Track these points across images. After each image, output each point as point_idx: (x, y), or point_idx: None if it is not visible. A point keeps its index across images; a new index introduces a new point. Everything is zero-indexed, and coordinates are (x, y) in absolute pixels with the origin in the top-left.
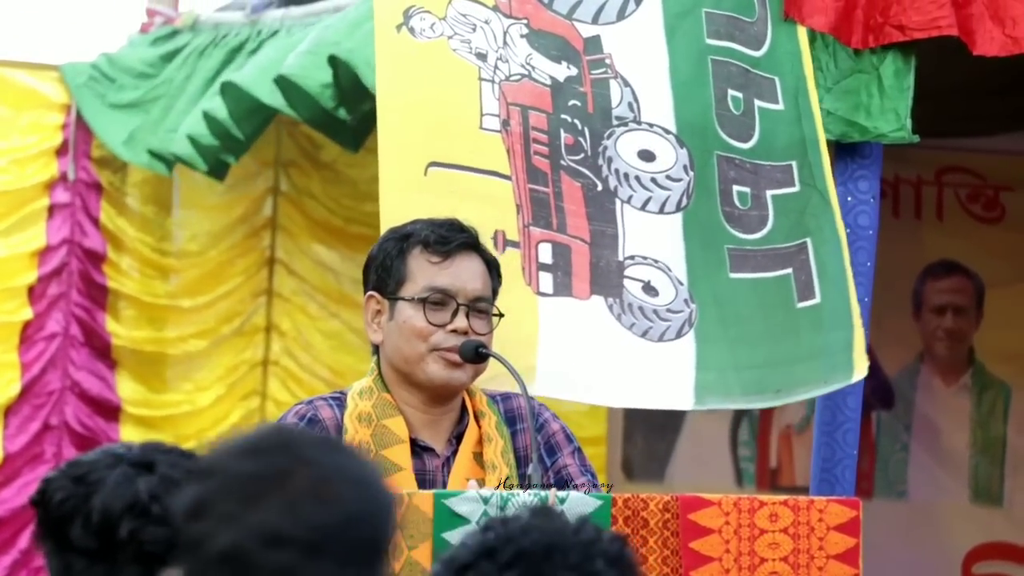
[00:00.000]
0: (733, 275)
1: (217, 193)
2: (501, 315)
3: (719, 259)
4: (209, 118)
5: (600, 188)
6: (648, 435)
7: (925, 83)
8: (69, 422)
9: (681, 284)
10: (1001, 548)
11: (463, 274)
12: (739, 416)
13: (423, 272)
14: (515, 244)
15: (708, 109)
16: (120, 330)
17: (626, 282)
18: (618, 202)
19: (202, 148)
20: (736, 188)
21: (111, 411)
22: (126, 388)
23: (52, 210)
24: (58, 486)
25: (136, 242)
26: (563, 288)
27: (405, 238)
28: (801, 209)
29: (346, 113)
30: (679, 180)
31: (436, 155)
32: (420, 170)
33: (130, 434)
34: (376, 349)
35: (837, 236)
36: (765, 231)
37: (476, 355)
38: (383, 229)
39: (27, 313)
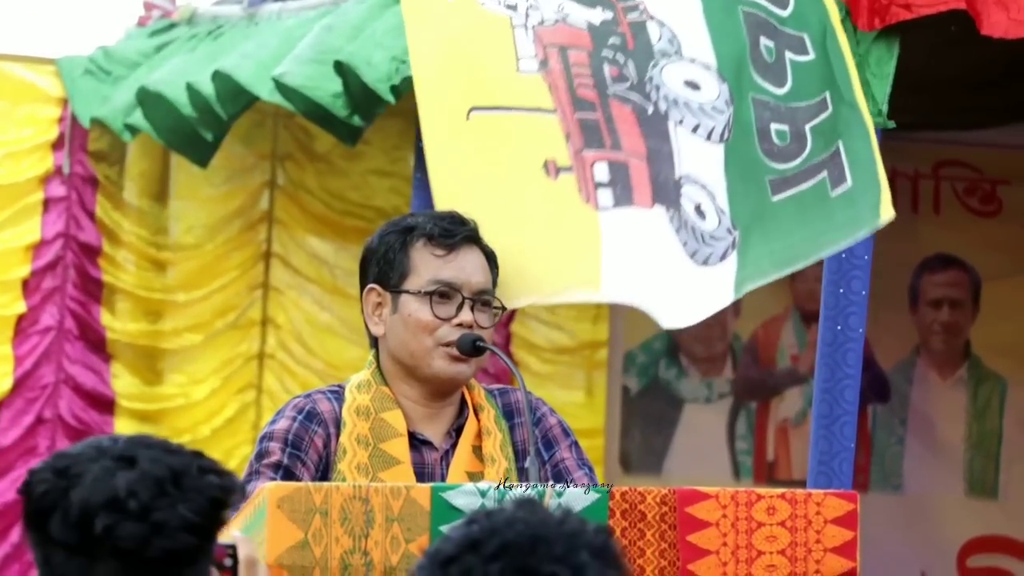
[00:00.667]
0: (775, 198)
1: (213, 186)
2: (504, 308)
3: (760, 188)
4: (192, 91)
5: (651, 111)
6: (645, 428)
7: (921, 75)
8: (63, 416)
9: (724, 213)
10: (996, 541)
11: (467, 267)
12: (737, 410)
13: (427, 265)
14: (568, 169)
15: (743, 52)
16: (115, 323)
17: (682, 199)
18: (671, 123)
19: (174, 117)
20: (774, 127)
21: (105, 405)
22: (121, 382)
23: (47, 204)
24: (41, 478)
25: (131, 236)
26: (624, 199)
27: (408, 231)
28: (834, 127)
29: (360, 120)
30: (722, 113)
31: (476, 100)
32: (462, 117)
33: (125, 428)
34: (374, 342)
35: (866, 129)
36: (803, 156)
37: (474, 348)
38: (433, 184)
39: (20, 306)
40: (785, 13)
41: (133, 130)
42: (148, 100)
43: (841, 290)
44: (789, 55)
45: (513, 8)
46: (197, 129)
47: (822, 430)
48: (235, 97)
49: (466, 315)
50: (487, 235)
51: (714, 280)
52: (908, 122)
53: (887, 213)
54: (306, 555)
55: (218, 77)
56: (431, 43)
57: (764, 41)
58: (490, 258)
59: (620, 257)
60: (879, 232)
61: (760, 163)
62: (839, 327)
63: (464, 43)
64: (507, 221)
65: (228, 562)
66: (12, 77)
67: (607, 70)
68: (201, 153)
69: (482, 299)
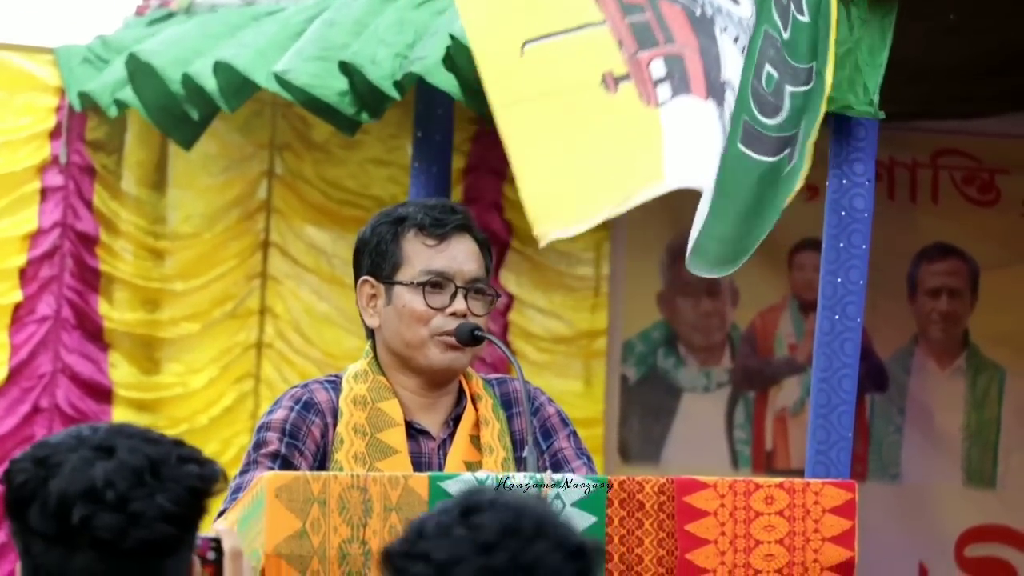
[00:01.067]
0: (741, 146)
1: (211, 175)
2: (498, 295)
3: (736, 126)
4: (187, 79)
5: (699, 13)
6: (644, 418)
7: (919, 64)
8: (60, 405)
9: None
10: (994, 531)
11: (459, 256)
12: (735, 399)
13: (419, 256)
14: (626, 77)
15: None
16: (112, 313)
17: (726, 101)
18: (717, 29)
19: (162, 94)
20: (767, 68)
21: (103, 394)
22: (119, 371)
23: (44, 193)
24: (20, 467)
25: (129, 225)
26: (681, 88)
27: (399, 221)
28: (805, 101)
29: (369, 117)
30: (748, 32)
31: (527, 33)
32: (516, 53)
33: (122, 417)
34: (370, 333)
35: (820, 108)
36: (779, 119)
37: (472, 338)
38: (502, 129)
39: (17, 295)
40: None
41: (121, 105)
42: (138, 71)
43: (839, 280)
44: (793, 11)
45: None
46: (185, 108)
47: (820, 419)
48: (238, 90)
49: (459, 304)
50: (557, 162)
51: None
52: (906, 111)
53: (797, 185)
54: (304, 544)
55: (220, 69)
56: None
57: None
58: (483, 245)
59: (680, 144)
60: (877, 221)
61: (745, 98)
62: (837, 316)
63: None
64: (574, 146)
65: (212, 555)
66: (10, 66)
67: None
68: (187, 134)
69: (475, 287)
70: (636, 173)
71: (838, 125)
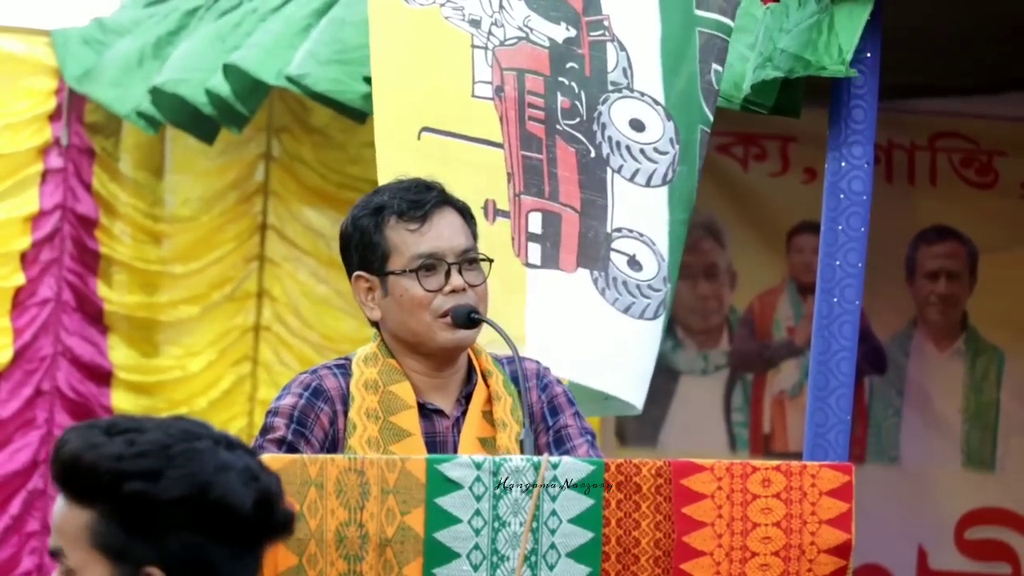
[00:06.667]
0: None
1: (209, 158)
2: (491, 260)
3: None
4: (211, 95)
5: (593, 155)
6: None
7: (920, 34)
8: (61, 387)
9: (663, 260)
10: (993, 513)
11: (444, 232)
12: (733, 382)
13: (405, 242)
14: (505, 214)
15: (693, 81)
16: (112, 295)
17: (613, 255)
18: (609, 171)
19: (201, 117)
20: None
21: (103, 376)
22: (118, 353)
23: (45, 175)
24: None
25: (128, 207)
26: (550, 260)
27: (378, 211)
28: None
29: None
30: (666, 153)
31: (429, 121)
32: (414, 134)
33: (122, 400)
34: (375, 323)
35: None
36: None
37: (468, 320)
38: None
39: (19, 278)
40: (734, 23)
41: (153, 121)
42: (163, 100)
43: (837, 262)
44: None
45: (476, 24)
46: (220, 123)
47: (818, 402)
48: (251, 92)
49: (456, 280)
50: None
51: (645, 344)
52: (906, 83)
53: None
54: (301, 527)
55: (229, 72)
56: (393, 55)
57: (715, 67)
58: (464, 213)
59: (543, 325)
60: (876, 204)
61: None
62: (835, 299)
63: (424, 59)
64: None
65: None
66: (8, 49)
67: (560, 101)
68: (210, 133)
69: (467, 258)
70: (498, 317)
71: (836, 108)
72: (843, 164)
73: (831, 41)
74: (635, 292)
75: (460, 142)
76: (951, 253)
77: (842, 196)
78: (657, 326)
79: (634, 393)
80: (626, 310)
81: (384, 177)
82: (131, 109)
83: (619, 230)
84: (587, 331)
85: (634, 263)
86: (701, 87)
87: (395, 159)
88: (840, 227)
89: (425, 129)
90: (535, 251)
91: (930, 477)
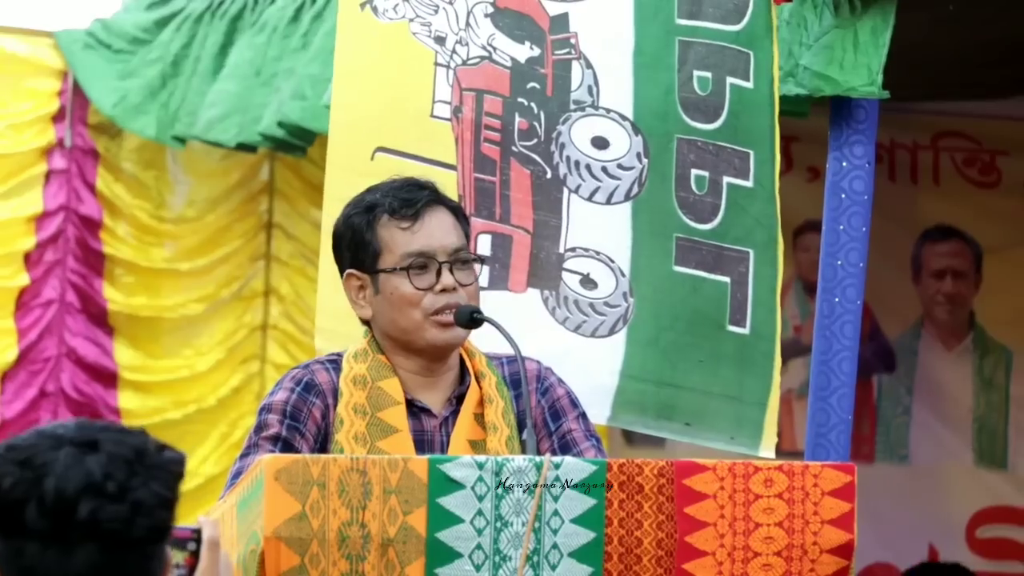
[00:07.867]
0: (677, 268)
1: (214, 158)
2: (483, 259)
3: (666, 249)
4: (266, 137)
5: (549, 176)
6: None
7: (921, 52)
8: (65, 389)
9: (623, 276)
10: (1006, 512)
11: (436, 232)
12: None
13: (397, 240)
14: None
15: (671, 92)
16: (117, 296)
17: (564, 275)
18: (566, 191)
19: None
20: (695, 172)
21: (108, 377)
22: (123, 354)
23: (49, 176)
24: (4, 471)
25: (133, 208)
26: (499, 281)
27: (370, 209)
28: (750, 210)
29: None
30: (631, 168)
31: (384, 141)
32: (368, 154)
33: (128, 400)
34: (366, 322)
35: (776, 264)
36: (715, 222)
37: (471, 320)
38: (326, 209)
39: (24, 279)
40: (738, 28)
41: (183, 140)
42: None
43: (839, 262)
44: (730, 80)
45: (441, 42)
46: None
47: (819, 402)
48: (304, 134)
49: (447, 278)
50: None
51: (600, 360)
52: (907, 95)
53: (768, 447)
54: (304, 527)
55: (284, 126)
56: (357, 70)
57: (699, 73)
58: (456, 212)
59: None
60: (880, 203)
61: (673, 215)
62: (836, 299)
63: (387, 76)
64: None
65: (192, 546)
66: (12, 50)
67: (517, 122)
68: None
69: (459, 257)
70: None
71: (837, 108)
72: (844, 164)
73: (858, 61)
74: (587, 310)
75: (414, 163)
76: (956, 252)
77: (843, 196)
78: (615, 342)
79: (594, 410)
80: (576, 328)
81: (330, 200)
82: (167, 135)
83: (573, 249)
84: (537, 350)
85: (588, 281)
86: (679, 97)
87: (343, 181)
88: (841, 227)
89: (380, 149)
90: (483, 273)
91: (940, 475)
